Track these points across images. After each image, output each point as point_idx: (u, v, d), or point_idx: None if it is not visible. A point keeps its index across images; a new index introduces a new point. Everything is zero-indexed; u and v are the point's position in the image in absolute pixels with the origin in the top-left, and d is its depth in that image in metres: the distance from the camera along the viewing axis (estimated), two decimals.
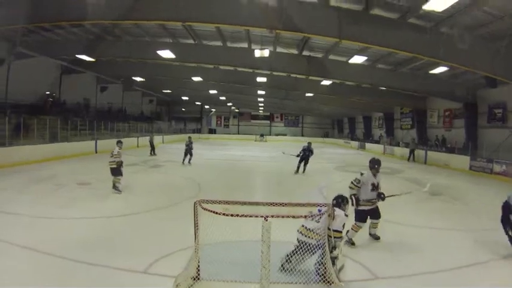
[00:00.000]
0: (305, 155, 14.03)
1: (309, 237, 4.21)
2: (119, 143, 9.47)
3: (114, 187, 8.99)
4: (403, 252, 5.37)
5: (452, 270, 4.72)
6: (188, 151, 15.96)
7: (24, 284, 3.86)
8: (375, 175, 5.61)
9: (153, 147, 20.70)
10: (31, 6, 10.76)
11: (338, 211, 4.36)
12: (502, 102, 16.88)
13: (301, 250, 4.10)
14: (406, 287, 4.26)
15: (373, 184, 5.54)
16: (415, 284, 4.34)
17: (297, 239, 4.32)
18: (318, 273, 4.03)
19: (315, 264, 4.16)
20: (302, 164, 14.07)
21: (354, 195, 5.51)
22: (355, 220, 5.52)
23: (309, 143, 14.35)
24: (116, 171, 8.98)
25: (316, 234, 4.16)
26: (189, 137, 16.73)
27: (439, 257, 5.16)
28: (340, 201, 4.68)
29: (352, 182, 5.55)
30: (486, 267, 4.89)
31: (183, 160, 15.93)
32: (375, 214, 5.65)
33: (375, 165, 5.60)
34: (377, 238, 5.78)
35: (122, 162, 9.11)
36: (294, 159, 14.30)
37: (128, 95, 33.51)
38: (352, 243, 5.49)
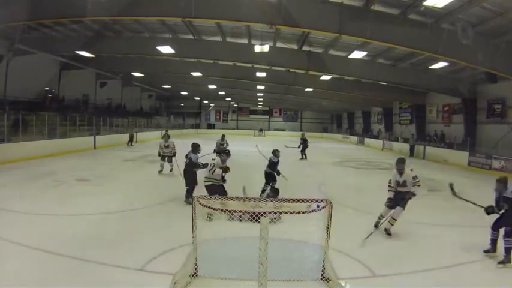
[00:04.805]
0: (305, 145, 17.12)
1: None
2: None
3: None
4: (402, 250, 5.37)
5: (451, 267, 4.70)
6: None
7: (23, 283, 3.85)
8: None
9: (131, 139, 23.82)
10: (31, 3, 10.70)
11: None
12: (501, 97, 16.83)
13: None
14: (405, 285, 4.24)
15: None
16: (414, 281, 4.32)
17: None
18: None
19: None
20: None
21: None
22: None
23: (303, 133, 18.77)
24: None
25: None
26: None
27: (438, 254, 5.15)
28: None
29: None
30: (485, 264, 4.87)
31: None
32: None
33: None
34: None
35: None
36: (294, 154, 14.40)
37: (127, 90, 33.29)
38: None
